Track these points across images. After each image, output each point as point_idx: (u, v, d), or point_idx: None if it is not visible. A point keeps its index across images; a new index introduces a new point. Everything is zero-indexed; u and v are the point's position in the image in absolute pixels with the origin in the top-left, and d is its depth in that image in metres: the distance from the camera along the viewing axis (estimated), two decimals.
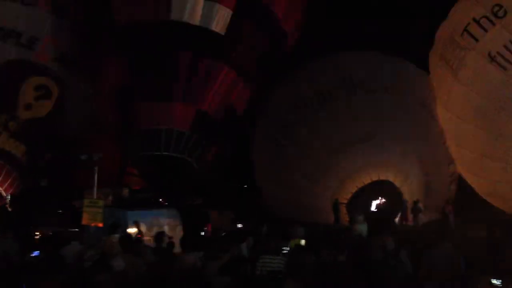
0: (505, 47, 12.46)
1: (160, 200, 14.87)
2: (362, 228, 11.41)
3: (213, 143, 15.98)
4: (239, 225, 14.07)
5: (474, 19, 12.88)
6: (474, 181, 13.90)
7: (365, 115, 15.91)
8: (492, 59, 12.55)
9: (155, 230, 12.87)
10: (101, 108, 16.29)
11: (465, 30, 13.03)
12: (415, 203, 14.99)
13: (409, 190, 15.82)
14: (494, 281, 6.52)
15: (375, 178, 15.87)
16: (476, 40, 12.83)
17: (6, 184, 15.83)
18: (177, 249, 9.72)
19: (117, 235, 10.86)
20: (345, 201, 15.95)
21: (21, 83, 15.64)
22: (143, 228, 12.68)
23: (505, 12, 12.49)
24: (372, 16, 19.49)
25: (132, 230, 12.34)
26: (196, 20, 14.91)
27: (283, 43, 16.14)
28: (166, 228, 13.28)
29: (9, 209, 15.84)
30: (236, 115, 15.85)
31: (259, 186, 17.49)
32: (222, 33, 15.01)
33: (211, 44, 14.95)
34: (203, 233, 13.52)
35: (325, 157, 15.83)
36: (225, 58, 15.14)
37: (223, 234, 13.24)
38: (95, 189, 13.72)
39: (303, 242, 8.84)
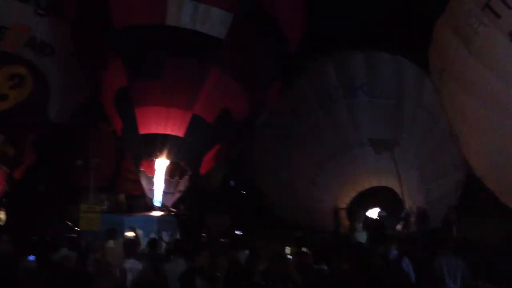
0: None
1: (158, 206, 14.72)
2: (362, 236, 11.31)
3: (209, 148, 15.87)
4: (238, 232, 13.94)
5: None
6: (492, 175, 13.27)
7: (366, 120, 15.82)
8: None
9: (152, 235, 12.76)
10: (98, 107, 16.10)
11: (487, 5, 12.08)
12: (423, 211, 14.85)
13: (410, 198, 15.72)
14: None
15: (375, 184, 15.78)
16: (498, 16, 11.92)
17: None
18: None
19: (112, 241, 10.81)
20: (345, 206, 15.86)
21: None
22: (140, 234, 12.58)
23: None
24: (376, 14, 19.28)
25: (128, 236, 12.25)
26: (192, 24, 14.83)
27: (284, 48, 16.04)
28: (163, 234, 13.20)
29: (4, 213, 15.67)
30: (234, 119, 15.73)
31: (259, 188, 17.39)
32: (221, 37, 14.93)
33: (207, 48, 14.86)
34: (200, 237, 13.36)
35: (326, 160, 15.75)
36: (220, 62, 15.04)
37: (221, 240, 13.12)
38: (91, 194, 13.63)
39: (288, 250, 8.73)
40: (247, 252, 9.19)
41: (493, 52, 11.85)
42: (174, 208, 14.76)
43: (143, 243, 11.66)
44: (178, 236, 13.22)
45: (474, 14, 12.20)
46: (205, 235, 13.57)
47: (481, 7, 12.03)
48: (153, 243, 10.13)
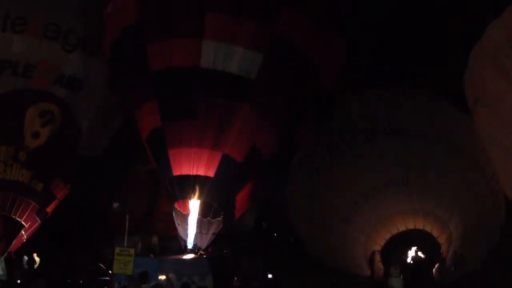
0: None
1: (190, 248, 14.68)
2: (398, 282, 10.98)
3: (240, 188, 15.88)
4: (270, 275, 13.74)
5: None
6: None
7: (402, 159, 15.57)
8: None
9: (184, 279, 12.73)
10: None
11: None
12: (459, 255, 14.38)
13: (448, 241, 15.26)
14: None
15: (411, 227, 15.39)
16: None
17: (25, 216, 15.79)
18: None
19: (145, 285, 10.82)
20: (379, 248, 15.48)
21: (24, 112, 15.64)
22: (173, 278, 12.55)
23: None
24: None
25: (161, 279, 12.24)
26: (223, 65, 15.11)
27: (317, 86, 16.05)
28: (196, 278, 13.14)
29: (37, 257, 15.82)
30: (263, 157, 15.75)
31: (293, 229, 17.19)
32: (251, 77, 15.11)
33: (237, 88, 15.06)
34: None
35: (359, 199, 15.51)
36: (251, 101, 15.17)
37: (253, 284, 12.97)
38: (126, 236, 13.69)
39: None
40: None
41: None
42: (207, 250, 14.69)
43: (176, 287, 11.63)
44: (211, 280, 13.13)
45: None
46: (237, 279, 13.42)
47: None
48: None
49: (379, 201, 15.40)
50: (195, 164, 15.19)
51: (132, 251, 12.64)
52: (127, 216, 13.30)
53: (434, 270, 14.62)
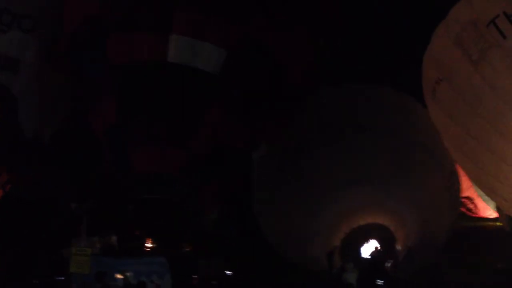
0: None
1: (149, 247, 14.65)
2: (351, 277, 11.15)
3: (207, 186, 15.85)
4: (228, 273, 13.80)
5: (505, 13, 11.60)
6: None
7: (365, 156, 15.74)
8: None
9: (142, 278, 12.72)
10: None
11: (493, 22, 11.71)
12: (408, 251, 14.71)
13: (404, 237, 15.55)
14: None
15: (370, 221, 15.58)
16: (504, 37, 11.58)
17: None
18: None
19: (100, 284, 10.78)
20: (339, 242, 15.63)
21: None
22: (130, 277, 12.52)
23: None
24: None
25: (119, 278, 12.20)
26: (189, 60, 15.04)
27: (284, 81, 16.11)
28: (154, 277, 13.12)
29: None
30: (231, 154, 15.75)
31: (258, 225, 17.22)
32: (218, 74, 15.10)
33: (204, 85, 15.02)
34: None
35: (322, 194, 15.63)
36: (218, 98, 15.16)
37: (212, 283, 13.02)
38: (83, 237, 13.60)
39: None
40: None
41: (496, 72, 11.56)
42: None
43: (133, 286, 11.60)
44: (169, 279, 13.13)
45: (478, 28, 11.92)
46: (196, 277, 13.45)
47: (486, 22, 11.77)
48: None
49: (342, 196, 15.53)
50: (159, 161, 15.10)
51: (89, 251, 12.63)
52: (85, 216, 13.22)
53: (388, 264, 14.90)
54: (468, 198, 18.56)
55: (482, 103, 11.82)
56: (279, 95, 15.93)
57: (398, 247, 15.07)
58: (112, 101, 14.93)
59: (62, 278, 12.52)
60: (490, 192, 13.76)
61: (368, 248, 15.26)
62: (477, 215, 19.25)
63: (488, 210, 19.06)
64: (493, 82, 11.67)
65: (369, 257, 14.96)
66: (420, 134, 16.16)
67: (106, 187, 16.86)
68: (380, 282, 12.65)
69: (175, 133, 14.83)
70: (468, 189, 17.94)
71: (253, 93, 15.36)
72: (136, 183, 14.91)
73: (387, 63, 19.34)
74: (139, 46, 14.74)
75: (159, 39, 14.59)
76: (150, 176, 14.88)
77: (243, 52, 15.07)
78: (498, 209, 17.03)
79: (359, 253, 14.92)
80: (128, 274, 12.44)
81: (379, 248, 15.28)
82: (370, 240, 15.40)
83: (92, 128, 15.47)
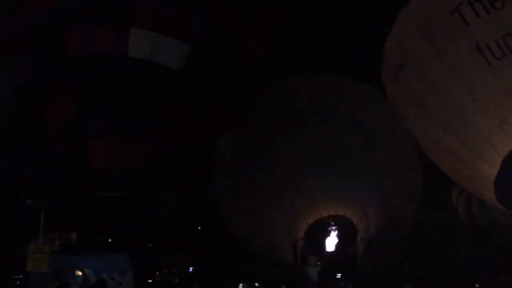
0: (496, 41, 11.35)
1: (110, 243, 14.42)
2: (313, 271, 11.17)
3: (170, 180, 15.66)
4: (191, 269, 13.70)
5: (468, 1, 11.75)
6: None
7: (328, 146, 15.74)
8: (479, 49, 11.45)
9: (103, 275, 12.51)
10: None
11: (456, 9, 11.83)
12: (368, 242, 14.86)
13: (366, 228, 15.67)
14: None
15: (332, 213, 15.63)
16: (467, 24, 11.73)
17: None
18: None
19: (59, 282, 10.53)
20: (302, 234, 15.62)
21: None
22: (90, 274, 12.29)
23: (503, 5, 11.47)
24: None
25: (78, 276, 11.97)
26: (150, 55, 14.81)
27: (241, 67, 16.01)
28: (115, 274, 12.92)
29: None
30: (195, 147, 15.61)
31: (222, 219, 17.10)
32: (179, 67, 14.92)
33: (165, 80, 14.82)
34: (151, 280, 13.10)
35: (285, 184, 15.61)
36: (178, 91, 14.99)
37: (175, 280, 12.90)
38: (41, 234, 13.25)
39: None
40: None
41: (459, 59, 11.59)
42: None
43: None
44: (131, 275, 12.95)
45: (442, 15, 11.99)
46: (158, 274, 13.30)
47: (450, 10, 11.83)
48: (99, 286, 9.89)
49: (305, 186, 15.52)
50: (118, 156, 14.85)
51: (46, 248, 12.28)
52: (42, 213, 12.86)
53: (350, 256, 15.01)
54: None
55: (446, 89, 11.88)
56: (238, 85, 15.87)
57: (359, 239, 15.22)
58: (70, 95, 14.59)
59: (20, 276, 12.17)
60: (455, 177, 14.01)
61: (331, 240, 15.36)
62: None
63: None
64: (456, 68, 11.71)
65: (331, 249, 15.08)
66: (382, 124, 16.19)
67: (63, 183, 16.52)
68: (338, 275, 12.73)
69: (135, 128, 14.60)
70: None
71: (214, 85, 15.29)
72: (94, 178, 14.65)
73: (349, 52, 19.33)
74: (99, 40, 14.48)
75: (120, 32, 14.37)
76: (109, 172, 14.62)
77: (205, 45, 14.96)
78: (457, 199, 17.33)
79: (322, 245, 14.99)
80: (87, 271, 12.19)
81: (339, 240, 15.41)
82: (332, 233, 15.52)
83: (46, 122, 15.06)
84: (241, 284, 10.55)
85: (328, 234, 15.56)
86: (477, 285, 11.42)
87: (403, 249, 14.55)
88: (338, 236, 15.44)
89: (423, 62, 12.31)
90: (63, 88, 14.62)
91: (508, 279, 11.43)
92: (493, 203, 12.83)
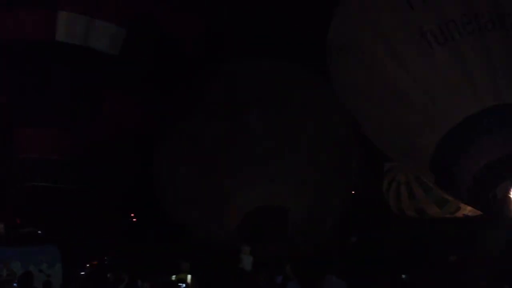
0: (439, 28, 11.55)
1: (39, 235, 13.99)
2: (246, 262, 11.21)
3: (104, 171, 15.32)
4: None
5: None
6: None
7: (255, 133, 15.73)
8: (422, 35, 11.62)
9: (30, 267, 12.15)
10: None
11: None
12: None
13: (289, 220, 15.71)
14: None
15: (261, 203, 15.54)
16: (412, 7, 11.79)
17: None
18: None
19: None
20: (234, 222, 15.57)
21: None
22: (17, 267, 11.95)
23: None
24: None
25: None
26: (82, 40, 14.34)
27: (179, 51, 15.77)
28: (44, 266, 12.59)
29: None
30: (130, 135, 15.32)
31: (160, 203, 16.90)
32: (113, 53, 14.52)
33: (97, 65, 14.41)
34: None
35: (225, 176, 15.52)
36: (114, 80, 14.63)
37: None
38: None
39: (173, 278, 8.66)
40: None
41: (401, 43, 11.74)
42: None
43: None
44: (60, 268, 12.66)
45: None
46: (89, 265, 13.06)
47: None
48: (25, 278, 9.62)
49: (242, 178, 15.45)
50: (50, 145, 14.39)
51: None
52: None
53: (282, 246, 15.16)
54: None
55: (385, 74, 12.07)
56: (175, 72, 15.67)
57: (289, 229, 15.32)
58: None
59: None
60: (393, 154, 14.39)
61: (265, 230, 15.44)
62: None
63: None
64: (397, 52, 11.79)
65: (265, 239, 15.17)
66: (316, 110, 16.14)
67: None
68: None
69: (65, 116, 14.20)
70: None
71: (150, 73, 15.02)
72: (20, 168, 14.16)
73: (287, 37, 19.36)
74: (23, 24, 13.89)
75: (46, 16, 13.82)
76: (35, 162, 14.17)
77: (140, 30, 14.65)
78: (386, 191, 17.84)
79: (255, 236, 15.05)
80: (14, 263, 11.82)
81: (271, 229, 15.49)
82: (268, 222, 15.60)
83: None
84: (174, 276, 10.52)
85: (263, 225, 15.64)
86: (403, 276, 11.82)
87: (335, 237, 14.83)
88: (270, 227, 15.50)
89: (364, 46, 12.42)
90: None
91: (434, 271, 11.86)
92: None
